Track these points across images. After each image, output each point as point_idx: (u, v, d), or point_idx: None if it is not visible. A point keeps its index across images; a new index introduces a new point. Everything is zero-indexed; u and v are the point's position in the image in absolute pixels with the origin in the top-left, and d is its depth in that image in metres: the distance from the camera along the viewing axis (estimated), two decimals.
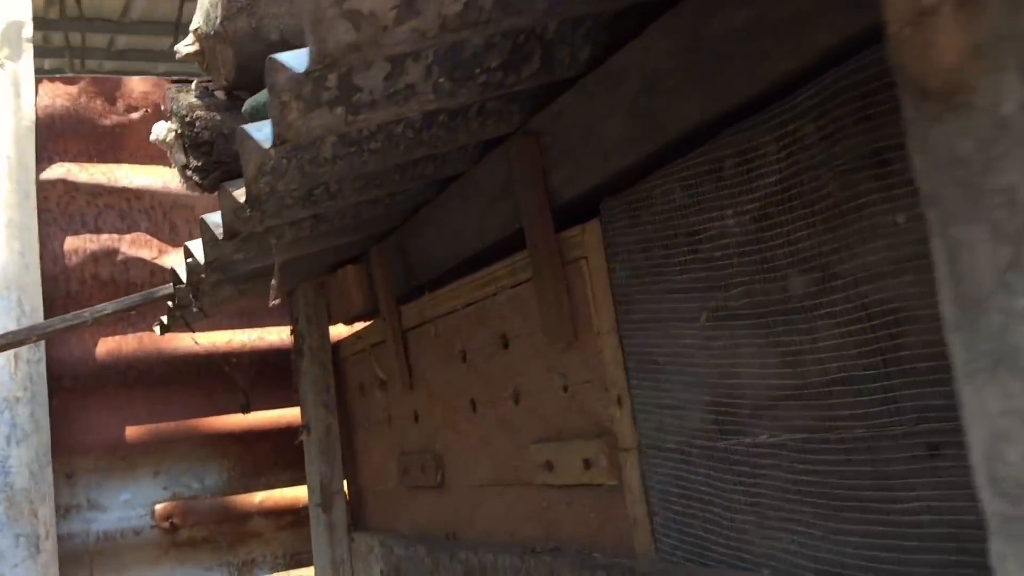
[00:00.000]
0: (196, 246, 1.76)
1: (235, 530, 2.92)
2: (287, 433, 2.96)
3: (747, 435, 1.10)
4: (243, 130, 1.20)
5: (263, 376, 2.90)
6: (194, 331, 2.42)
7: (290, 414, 2.95)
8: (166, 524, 2.83)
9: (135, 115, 2.89)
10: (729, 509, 1.14)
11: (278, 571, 2.97)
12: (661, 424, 1.26)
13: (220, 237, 1.53)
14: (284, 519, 2.98)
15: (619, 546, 1.39)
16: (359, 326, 2.63)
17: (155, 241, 2.88)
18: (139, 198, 2.87)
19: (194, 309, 1.90)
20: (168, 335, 2.79)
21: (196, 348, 2.86)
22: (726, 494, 1.15)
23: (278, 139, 1.11)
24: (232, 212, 1.48)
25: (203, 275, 1.76)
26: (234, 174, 1.44)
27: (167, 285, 2.14)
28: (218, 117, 1.40)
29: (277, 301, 1.55)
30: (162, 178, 2.89)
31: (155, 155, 2.91)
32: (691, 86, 1.11)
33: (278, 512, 2.96)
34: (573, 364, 1.45)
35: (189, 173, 1.40)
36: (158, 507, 2.83)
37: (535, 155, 1.45)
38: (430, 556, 1.94)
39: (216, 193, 1.43)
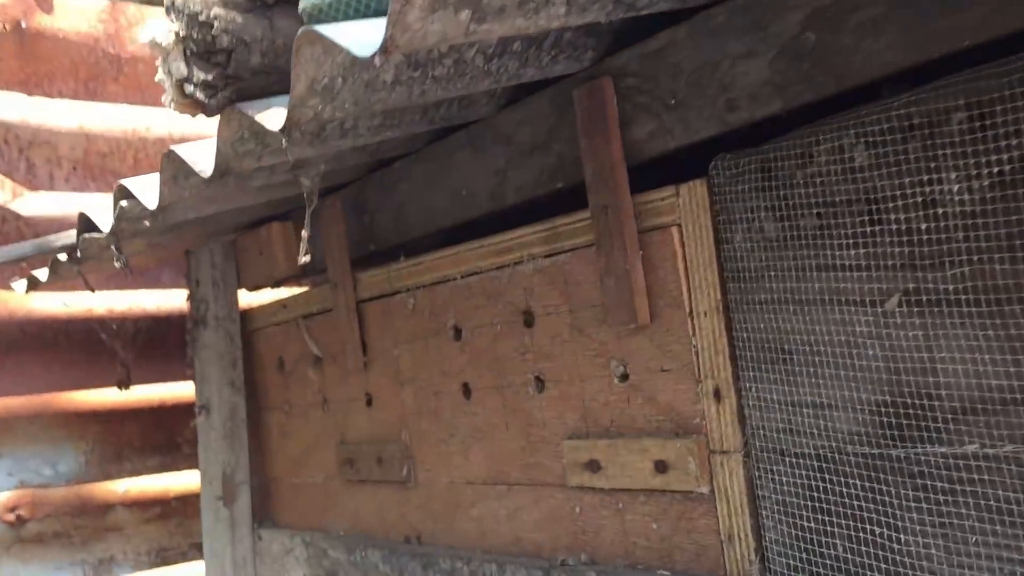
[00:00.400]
0: (140, 185, 1.42)
1: (92, 523, 2.51)
2: (159, 413, 2.58)
3: (942, 443, 0.92)
4: (312, 32, 0.92)
5: (145, 347, 2.50)
6: (94, 290, 2.02)
7: (165, 392, 2.57)
8: (11, 516, 2.38)
9: None
10: (899, 529, 0.97)
11: (141, 570, 2.59)
12: (790, 425, 1.07)
13: (204, 175, 1.21)
14: (151, 511, 2.59)
15: (697, 563, 1.19)
16: (266, 294, 2.31)
17: (8, 181, 2.41)
18: None
19: (117, 264, 1.54)
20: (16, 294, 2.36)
21: (57, 311, 2.43)
22: (897, 511, 0.97)
23: (389, 43, 0.84)
24: (231, 144, 1.18)
25: (147, 222, 1.42)
26: (248, 94, 1.13)
27: (66, 233, 1.76)
28: (239, 19, 1.09)
29: (308, 258, 1.25)
30: (19, 108, 2.43)
31: (11, 80, 2.46)
32: (897, 22, 0.92)
33: (144, 503, 2.57)
34: (642, 349, 1.24)
35: (191, 89, 1.08)
36: (1, 497, 2.39)
37: (610, 101, 1.22)
38: (389, 563, 1.68)
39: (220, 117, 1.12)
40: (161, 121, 2.62)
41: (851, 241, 0.98)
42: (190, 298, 2.20)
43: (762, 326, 1.09)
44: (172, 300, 2.58)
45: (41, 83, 2.50)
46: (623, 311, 1.24)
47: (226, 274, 2.15)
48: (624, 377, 1.27)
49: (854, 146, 0.97)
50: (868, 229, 0.97)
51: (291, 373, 2.04)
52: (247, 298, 2.29)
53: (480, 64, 1.13)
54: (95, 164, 2.55)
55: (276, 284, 2.16)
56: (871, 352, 0.98)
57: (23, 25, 2.45)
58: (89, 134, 2.52)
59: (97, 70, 2.58)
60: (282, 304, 2.04)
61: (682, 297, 1.18)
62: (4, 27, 2.42)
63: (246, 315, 2.18)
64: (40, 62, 2.49)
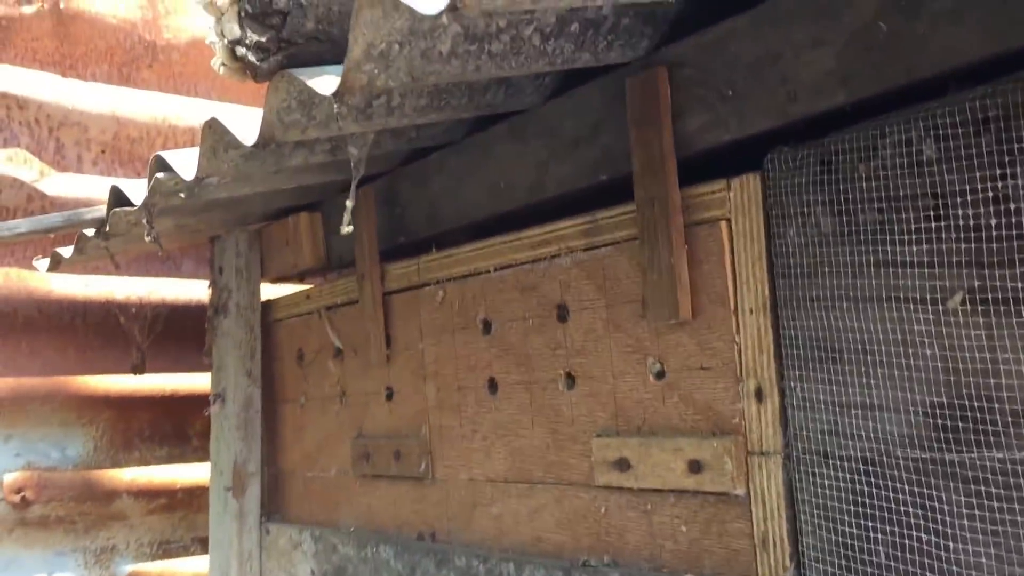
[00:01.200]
0: (177, 157, 1.40)
1: (97, 510, 2.47)
2: (170, 403, 2.55)
3: (1000, 448, 0.89)
4: None
5: (161, 334, 2.47)
6: (119, 265, 2.01)
7: (178, 382, 2.54)
8: (16, 498, 2.35)
9: (28, 8, 2.41)
10: (948, 536, 0.93)
11: (142, 561, 2.55)
12: (836, 426, 1.04)
13: (247, 143, 1.20)
14: (156, 502, 2.55)
15: (728, 568, 1.16)
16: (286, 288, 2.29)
17: (36, 161, 2.41)
18: (22, 107, 2.39)
19: (147, 238, 1.52)
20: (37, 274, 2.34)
21: (76, 293, 2.41)
22: (946, 518, 0.94)
23: (459, 0, 0.82)
24: (278, 113, 1.16)
25: (182, 194, 1.40)
26: (300, 61, 1.11)
27: (97, 207, 1.74)
28: None
29: (350, 228, 1.23)
30: (52, 88, 2.43)
31: (45, 59, 2.46)
32: (978, 9, 0.89)
33: (150, 493, 2.54)
34: (681, 346, 1.21)
35: (242, 52, 1.06)
36: (7, 477, 2.35)
37: (664, 91, 1.20)
38: (401, 560, 1.65)
39: (269, 82, 1.10)
40: (192, 111, 2.61)
41: (914, 237, 0.96)
42: (212, 285, 2.18)
43: (811, 324, 1.06)
44: (191, 290, 2.56)
45: (75, 64, 2.50)
46: (664, 306, 1.21)
47: (250, 263, 2.13)
48: (660, 374, 1.25)
49: (923, 139, 0.95)
50: (933, 225, 0.94)
51: (310, 365, 2.01)
52: (267, 292, 2.27)
53: (537, 43, 1.12)
54: (124, 149, 2.54)
55: (300, 276, 2.14)
56: (928, 352, 0.95)
57: (61, 5, 2.45)
58: (120, 118, 2.51)
59: (132, 55, 2.57)
60: (306, 295, 2.02)
61: (727, 293, 1.15)
62: (42, 5, 2.42)
63: (267, 305, 2.16)
64: (76, 43, 2.49)
